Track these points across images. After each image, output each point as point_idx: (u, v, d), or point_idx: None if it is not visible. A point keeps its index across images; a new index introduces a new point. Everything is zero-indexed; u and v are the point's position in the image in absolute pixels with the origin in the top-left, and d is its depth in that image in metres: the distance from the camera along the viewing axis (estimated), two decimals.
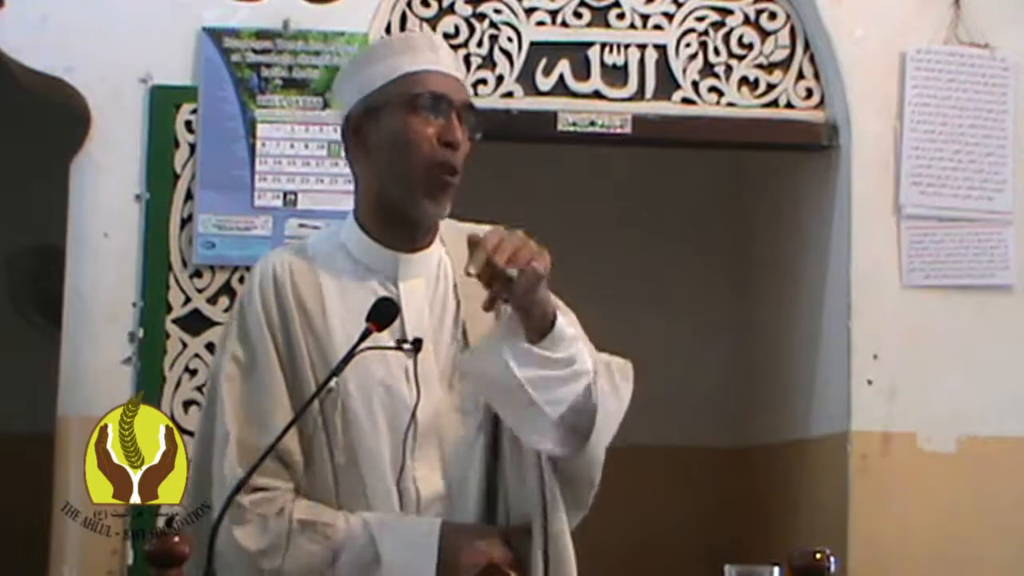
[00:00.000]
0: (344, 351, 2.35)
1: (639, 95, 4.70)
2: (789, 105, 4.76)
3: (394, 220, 2.49)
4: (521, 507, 2.43)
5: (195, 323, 4.42)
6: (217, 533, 2.20)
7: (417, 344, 2.40)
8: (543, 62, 4.69)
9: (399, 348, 2.40)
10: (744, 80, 4.75)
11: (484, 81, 4.65)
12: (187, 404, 4.37)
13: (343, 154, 2.57)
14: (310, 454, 2.41)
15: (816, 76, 4.77)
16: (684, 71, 4.72)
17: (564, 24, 4.71)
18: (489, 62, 4.67)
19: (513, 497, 2.44)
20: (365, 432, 2.41)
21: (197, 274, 4.43)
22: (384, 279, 2.49)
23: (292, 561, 2.34)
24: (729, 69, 4.74)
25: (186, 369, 4.39)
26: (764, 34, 4.77)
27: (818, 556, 2.05)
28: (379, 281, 2.49)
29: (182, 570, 2.05)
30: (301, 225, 4.39)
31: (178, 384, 4.38)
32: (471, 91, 4.64)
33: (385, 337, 2.39)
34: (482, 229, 2.44)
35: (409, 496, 2.42)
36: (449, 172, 2.45)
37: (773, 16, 4.77)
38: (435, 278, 2.53)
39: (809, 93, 4.76)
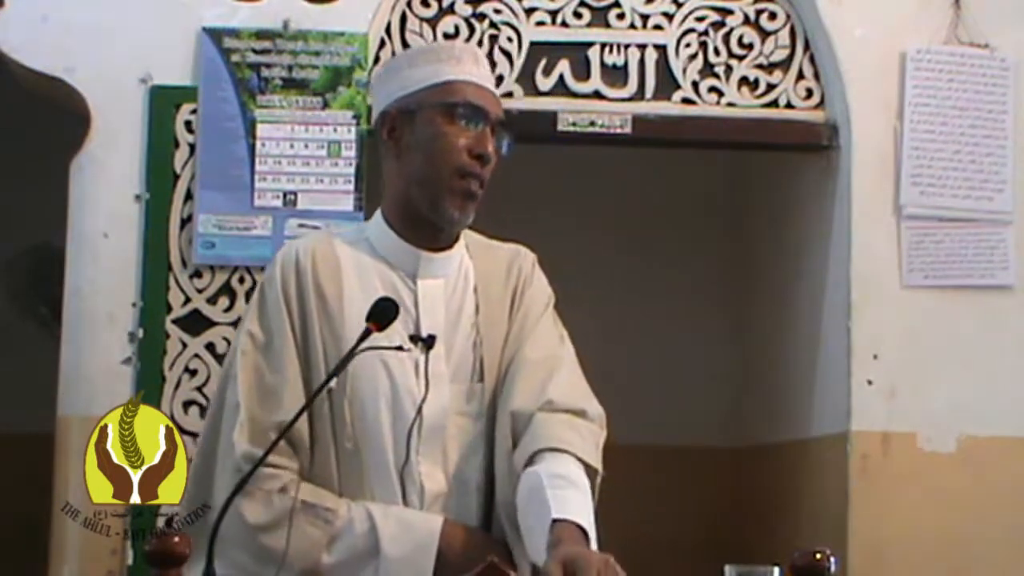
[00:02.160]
0: (355, 338, 2.38)
1: (639, 95, 4.70)
2: (789, 105, 4.76)
3: (417, 222, 2.53)
4: (510, 517, 2.43)
5: (195, 323, 4.42)
6: (215, 530, 2.20)
7: (430, 341, 2.42)
8: (543, 62, 4.69)
9: (401, 348, 2.41)
10: (744, 80, 4.75)
11: None
12: (187, 404, 4.37)
13: (381, 149, 2.58)
14: (316, 437, 2.43)
15: (816, 76, 4.77)
16: (684, 71, 4.72)
17: (564, 24, 4.71)
18: (489, 62, 4.66)
19: (502, 506, 2.45)
20: (371, 422, 2.43)
21: (197, 274, 4.43)
22: (404, 275, 2.52)
23: (290, 541, 2.36)
24: (729, 69, 4.74)
25: (186, 369, 4.39)
26: (764, 34, 4.77)
27: (818, 556, 2.05)
28: (399, 276, 2.51)
29: (182, 570, 2.05)
30: (301, 225, 4.39)
31: (178, 384, 4.38)
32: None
33: (399, 331, 2.42)
34: (506, 247, 2.57)
35: (412, 491, 2.44)
36: (475, 183, 2.49)
37: (773, 16, 4.77)
38: (455, 279, 2.55)
39: (809, 93, 4.76)
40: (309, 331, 2.46)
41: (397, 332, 2.43)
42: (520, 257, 2.65)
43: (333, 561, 2.38)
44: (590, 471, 2.40)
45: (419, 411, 2.44)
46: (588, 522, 2.26)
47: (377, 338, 2.36)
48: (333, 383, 2.39)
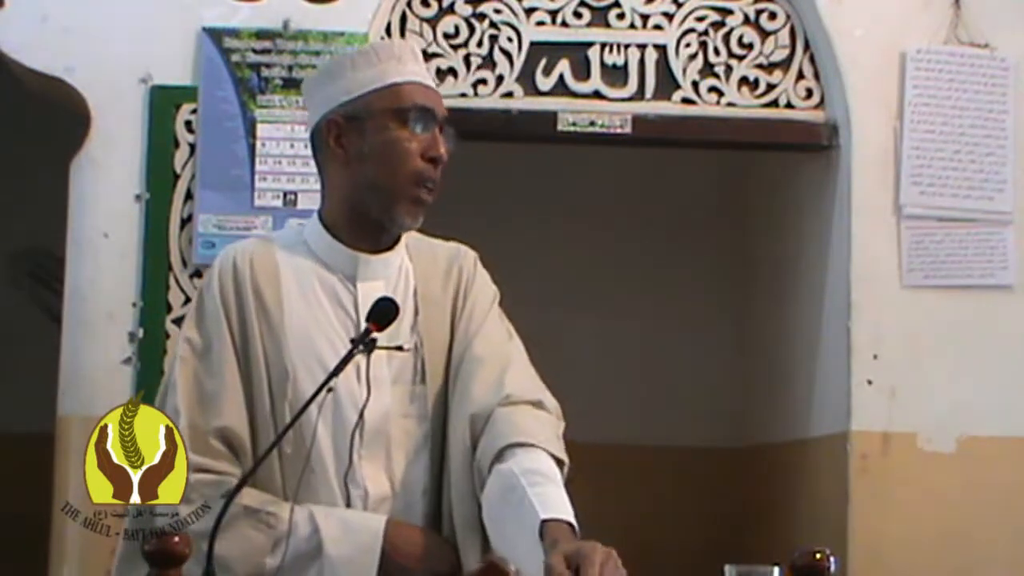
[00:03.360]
0: (297, 345, 2.41)
1: (639, 95, 4.70)
2: (789, 105, 4.76)
3: (362, 224, 2.51)
4: (467, 518, 2.41)
5: None
6: (215, 532, 2.20)
7: (371, 345, 2.40)
8: (543, 62, 4.69)
9: (370, 348, 2.39)
10: (744, 80, 4.75)
11: (484, 81, 4.65)
12: None
13: (312, 154, 2.56)
14: (258, 442, 2.42)
15: (816, 76, 4.77)
16: (684, 71, 4.72)
17: (564, 24, 4.71)
18: (489, 62, 4.67)
19: (457, 507, 2.43)
20: (312, 426, 2.42)
21: (197, 274, 4.43)
22: (344, 278, 2.51)
23: (232, 545, 2.34)
24: (729, 69, 4.74)
25: None
26: (764, 34, 4.77)
27: (818, 556, 2.05)
28: (338, 279, 2.51)
29: (181, 570, 2.05)
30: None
31: None
32: (471, 91, 4.65)
33: (340, 334, 2.43)
34: (447, 245, 2.56)
35: (356, 494, 2.44)
36: (430, 187, 2.48)
37: (773, 16, 4.77)
38: (395, 282, 2.54)
39: (809, 93, 4.76)
40: (249, 336, 2.44)
41: (338, 335, 2.44)
42: (461, 257, 2.63)
43: (277, 564, 2.36)
44: (559, 463, 2.39)
45: (361, 415, 2.43)
46: (572, 518, 2.24)
47: (320, 343, 2.36)
48: (332, 383, 2.37)
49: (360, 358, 2.41)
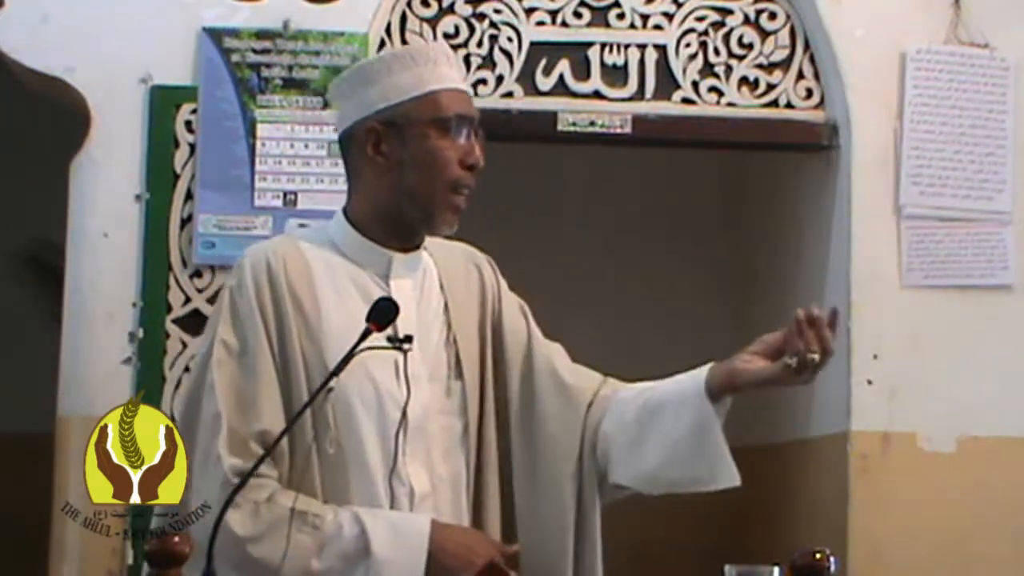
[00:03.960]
0: (336, 344, 2.40)
1: (639, 95, 4.70)
2: (789, 105, 4.76)
3: (395, 226, 2.52)
4: (540, 522, 2.50)
5: (195, 323, 4.41)
6: (219, 530, 2.20)
7: (408, 341, 2.41)
8: (543, 62, 4.69)
9: (399, 348, 2.41)
10: (744, 80, 4.75)
11: (484, 81, 4.65)
12: None
13: (343, 156, 2.58)
14: (296, 444, 2.42)
15: (816, 76, 4.76)
16: (684, 71, 4.72)
17: (564, 24, 4.71)
18: (489, 62, 4.67)
19: (528, 511, 2.50)
20: (357, 426, 2.42)
21: (197, 274, 4.43)
22: (376, 276, 2.51)
23: (280, 549, 2.35)
24: (729, 69, 4.74)
25: (186, 369, 4.38)
26: (764, 34, 4.77)
27: (818, 556, 2.05)
28: (371, 277, 2.51)
29: (182, 570, 2.05)
30: (301, 225, 4.38)
31: (178, 384, 4.37)
32: (471, 92, 4.65)
33: (377, 334, 2.41)
34: (458, 245, 2.62)
35: (402, 492, 2.44)
36: (467, 194, 2.51)
37: (773, 16, 4.77)
38: (422, 279, 2.56)
39: (809, 93, 4.76)
40: (286, 336, 2.44)
41: (376, 334, 2.44)
42: (477, 258, 2.68)
43: (324, 567, 2.37)
44: None
45: (404, 412, 2.43)
46: None
47: (353, 339, 2.36)
48: (333, 383, 2.37)
49: (397, 356, 2.43)
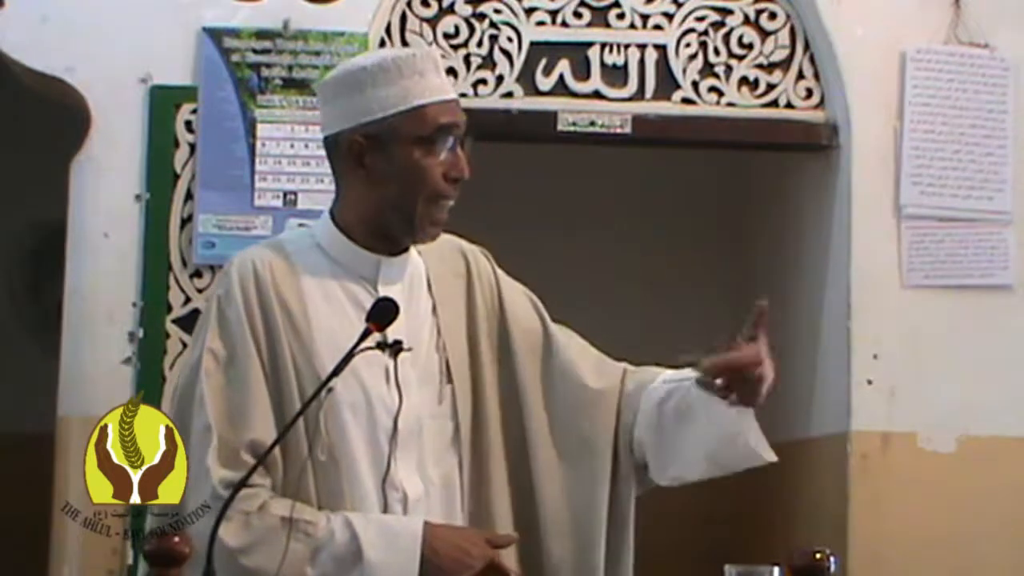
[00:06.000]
0: (326, 350, 2.39)
1: (639, 95, 4.70)
2: (789, 105, 4.76)
3: (380, 234, 2.51)
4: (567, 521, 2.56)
5: (195, 323, 4.40)
6: (215, 532, 2.20)
7: (397, 346, 2.41)
8: (543, 62, 4.69)
9: (398, 349, 2.40)
10: (744, 80, 4.75)
11: (484, 81, 4.65)
12: None
13: (328, 157, 2.56)
14: (288, 451, 2.40)
15: (816, 76, 4.77)
16: (684, 71, 4.72)
17: (564, 24, 4.71)
18: (489, 62, 4.67)
19: (552, 511, 2.54)
20: (347, 432, 2.42)
21: (197, 274, 4.43)
22: (365, 281, 2.50)
23: (273, 559, 2.33)
24: (729, 69, 4.74)
25: None
26: (764, 34, 4.77)
27: (818, 556, 2.05)
28: (359, 283, 2.50)
29: (182, 570, 2.05)
30: (301, 225, 4.38)
31: None
32: (471, 91, 4.65)
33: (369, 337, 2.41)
34: (448, 242, 2.59)
35: (395, 498, 2.43)
36: (447, 208, 2.49)
37: (773, 16, 4.77)
38: (411, 283, 2.55)
39: (809, 93, 4.76)
40: (276, 344, 2.43)
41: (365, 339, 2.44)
42: (465, 248, 2.65)
43: (317, 573, 2.35)
44: None
45: (396, 418, 2.43)
46: None
47: (343, 345, 2.35)
48: (333, 383, 2.37)
49: (388, 361, 2.42)
